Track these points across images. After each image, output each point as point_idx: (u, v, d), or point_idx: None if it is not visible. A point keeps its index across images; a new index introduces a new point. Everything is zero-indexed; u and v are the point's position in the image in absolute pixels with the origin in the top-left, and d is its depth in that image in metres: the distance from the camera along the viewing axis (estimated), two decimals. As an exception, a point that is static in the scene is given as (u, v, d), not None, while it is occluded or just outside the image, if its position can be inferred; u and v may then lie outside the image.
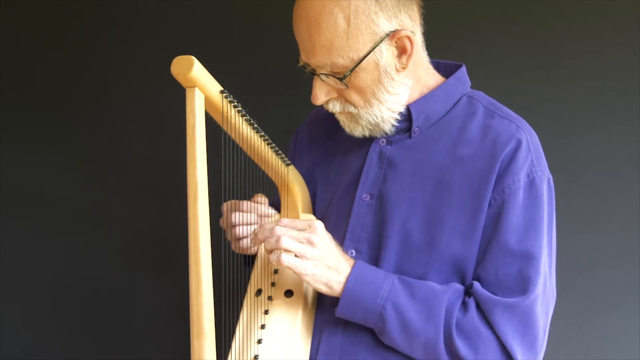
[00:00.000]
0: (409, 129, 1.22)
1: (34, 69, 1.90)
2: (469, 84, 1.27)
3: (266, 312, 1.17)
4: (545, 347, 1.16)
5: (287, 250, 1.08)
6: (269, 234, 1.10)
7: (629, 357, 1.66)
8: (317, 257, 1.10)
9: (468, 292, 1.14)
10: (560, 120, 1.69)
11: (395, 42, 1.14)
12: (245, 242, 1.26)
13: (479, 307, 1.11)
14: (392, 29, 1.13)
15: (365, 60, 1.12)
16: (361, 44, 1.11)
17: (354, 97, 1.17)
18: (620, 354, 1.67)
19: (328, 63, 1.12)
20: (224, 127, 1.06)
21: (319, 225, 1.12)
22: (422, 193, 1.17)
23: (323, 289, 1.12)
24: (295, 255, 1.09)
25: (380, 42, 1.12)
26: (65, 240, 1.90)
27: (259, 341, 1.14)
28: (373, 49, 1.12)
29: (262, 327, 1.15)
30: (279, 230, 1.10)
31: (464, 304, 1.12)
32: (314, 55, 1.13)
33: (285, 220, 1.13)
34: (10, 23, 1.90)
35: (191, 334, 0.94)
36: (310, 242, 1.10)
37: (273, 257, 1.08)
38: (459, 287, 1.14)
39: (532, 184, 1.14)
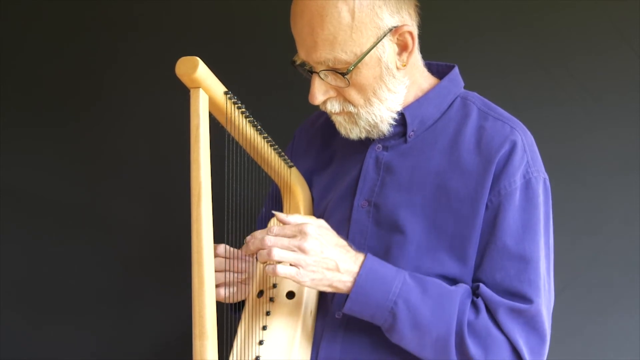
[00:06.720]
0: (404, 134, 1.21)
1: (34, 69, 1.90)
2: (462, 84, 1.26)
3: (268, 313, 1.17)
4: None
5: (280, 262, 1.06)
6: (260, 244, 1.07)
7: (629, 357, 1.66)
8: (311, 263, 1.07)
9: (475, 293, 1.14)
10: (560, 121, 1.69)
11: (398, 37, 1.13)
12: (223, 292, 1.18)
13: (487, 307, 1.11)
14: (395, 24, 1.12)
15: (368, 55, 1.11)
16: (365, 38, 1.10)
17: (354, 95, 1.15)
18: (620, 354, 1.67)
19: (330, 58, 1.11)
20: (228, 129, 1.06)
21: (310, 229, 1.08)
22: (420, 198, 1.16)
23: (329, 290, 1.11)
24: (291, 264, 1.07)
25: (384, 36, 1.11)
26: (65, 240, 1.89)
27: (261, 342, 1.14)
28: (376, 43, 1.11)
29: (264, 328, 1.16)
30: (269, 241, 1.07)
31: (474, 304, 1.11)
32: (315, 50, 1.11)
33: (275, 229, 1.09)
34: (10, 23, 1.90)
35: (193, 334, 0.94)
36: (302, 250, 1.07)
37: (269, 269, 1.06)
38: (467, 286, 1.13)
39: (528, 185, 1.14)
